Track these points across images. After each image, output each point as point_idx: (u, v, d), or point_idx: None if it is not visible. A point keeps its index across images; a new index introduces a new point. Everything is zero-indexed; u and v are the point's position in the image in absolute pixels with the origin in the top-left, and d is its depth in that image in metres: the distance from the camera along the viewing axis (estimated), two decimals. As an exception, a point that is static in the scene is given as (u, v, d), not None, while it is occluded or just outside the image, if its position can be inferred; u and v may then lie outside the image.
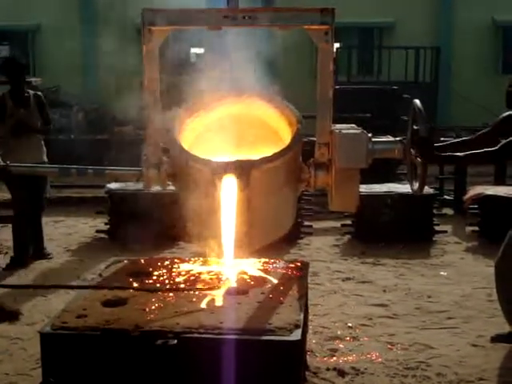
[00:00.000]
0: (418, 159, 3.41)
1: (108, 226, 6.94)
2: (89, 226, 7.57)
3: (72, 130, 12.40)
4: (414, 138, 3.47)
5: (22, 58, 6.74)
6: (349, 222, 7.04)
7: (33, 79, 15.20)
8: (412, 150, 3.47)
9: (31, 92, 6.11)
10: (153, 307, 2.87)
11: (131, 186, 6.70)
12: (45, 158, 6.10)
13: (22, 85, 6.02)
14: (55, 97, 15.12)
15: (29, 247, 6.14)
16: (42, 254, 6.25)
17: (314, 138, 3.50)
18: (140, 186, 6.53)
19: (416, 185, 3.52)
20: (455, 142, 4.11)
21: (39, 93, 6.26)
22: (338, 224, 7.22)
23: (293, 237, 6.59)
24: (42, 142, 6.14)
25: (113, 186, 6.97)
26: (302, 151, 3.54)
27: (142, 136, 3.63)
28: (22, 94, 5.99)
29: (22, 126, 5.89)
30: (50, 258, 6.30)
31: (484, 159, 3.76)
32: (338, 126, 3.49)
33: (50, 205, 8.19)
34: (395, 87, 11.13)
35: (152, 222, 6.29)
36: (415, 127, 3.51)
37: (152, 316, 2.77)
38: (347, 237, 6.96)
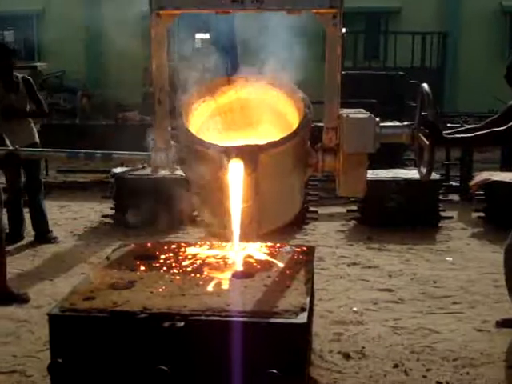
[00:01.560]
0: (426, 141, 3.39)
1: (114, 211, 6.97)
2: (94, 211, 7.59)
3: (77, 115, 12.42)
4: (421, 121, 3.46)
5: (11, 43, 6.86)
6: (354, 207, 7.04)
7: (38, 64, 15.17)
8: (420, 134, 3.46)
9: (20, 76, 6.16)
10: (160, 290, 2.88)
11: (137, 170, 6.72)
12: (36, 140, 6.20)
13: (11, 70, 6.06)
14: (59, 82, 15.12)
15: (23, 223, 6.33)
16: (47, 238, 6.29)
17: (322, 124, 3.49)
18: (145, 170, 6.60)
19: (424, 170, 3.51)
20: (462, 130, 4.08)
21: (27, 76, 6.32)
22: (343, 210, 7.22)
23: (298, 222, 6.60)
24: (32, 125, 6.23)
25: (118, 170, 6.98)
26: (309, 136, 3.53)
27: (149, 121, 3.63)
28: (11, 79, 6.04)
29: (12, 110, 5.96)
30: (57, 242, 6.33)
31: (492, 140, 3.74)
32: (346, 110, 3.48)
33: (56, 189, 8.26)
34: (402, 73, 11.06)
35: (158, 207, 6.31)
36: (423, 113, 3.49)
37: (159, 298, 2.79)
38: (353, 222, 6.97)
